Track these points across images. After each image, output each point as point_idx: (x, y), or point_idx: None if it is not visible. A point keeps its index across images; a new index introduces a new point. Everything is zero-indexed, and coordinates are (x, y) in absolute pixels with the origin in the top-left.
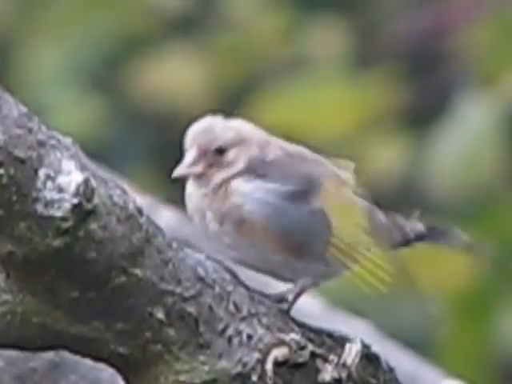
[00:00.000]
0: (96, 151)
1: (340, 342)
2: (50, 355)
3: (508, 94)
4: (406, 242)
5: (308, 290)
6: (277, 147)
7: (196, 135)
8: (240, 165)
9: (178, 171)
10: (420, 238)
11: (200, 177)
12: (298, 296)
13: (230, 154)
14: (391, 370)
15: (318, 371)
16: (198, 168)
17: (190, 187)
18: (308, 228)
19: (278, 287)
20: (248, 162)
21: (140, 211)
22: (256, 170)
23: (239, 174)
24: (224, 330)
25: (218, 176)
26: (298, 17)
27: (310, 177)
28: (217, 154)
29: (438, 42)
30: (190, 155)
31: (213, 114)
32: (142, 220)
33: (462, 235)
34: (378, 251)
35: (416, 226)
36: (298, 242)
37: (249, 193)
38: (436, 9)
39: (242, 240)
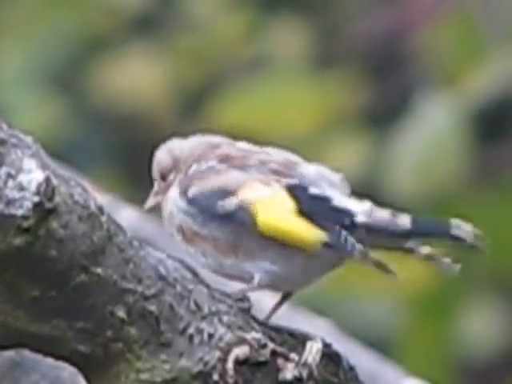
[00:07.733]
0: (57, 151)
1: (301, 340)
2: (10, 354)
3: (468, 93)
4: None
5: (266, 288)
6: (215, 157)
7: (154, 164)
8: (173, 187)
9: (148, 203)
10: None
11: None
12: (279, 304)
13: (169, 179)
14: (352, 368)
15: (279, 370)
16: (159, 197)
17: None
18: (232, 231)
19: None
20: (178, 181)
21: (101, 210)
22: (182, 184)
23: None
24: (185, 329)
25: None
26: (259, 17)
27: (230, 184)
28: (163, 181)
29: (399, 41)
30: (155, 185)
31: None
32: (103, 218)
33: (461, 225)
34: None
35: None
36: (228, 244)
37: (176, 201)
38: (397, 9)
39: (188, 247)
